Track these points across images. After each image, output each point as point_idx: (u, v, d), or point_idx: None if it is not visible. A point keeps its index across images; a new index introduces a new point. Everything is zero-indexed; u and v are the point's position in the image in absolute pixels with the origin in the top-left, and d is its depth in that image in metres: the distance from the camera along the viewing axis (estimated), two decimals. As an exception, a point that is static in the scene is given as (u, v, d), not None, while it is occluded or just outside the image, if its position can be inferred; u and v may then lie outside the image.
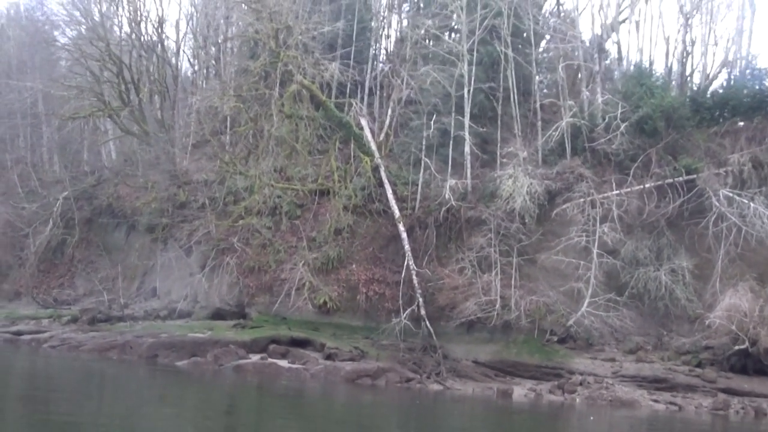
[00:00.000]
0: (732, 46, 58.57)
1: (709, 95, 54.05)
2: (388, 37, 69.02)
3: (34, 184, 70.55)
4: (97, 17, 69.03)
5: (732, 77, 56.40)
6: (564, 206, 48.13)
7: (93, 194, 68.54)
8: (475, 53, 53.91)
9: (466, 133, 52.71)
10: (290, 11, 57.28)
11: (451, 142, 53.47)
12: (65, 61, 76.78)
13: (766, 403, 39.86)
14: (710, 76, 57.58)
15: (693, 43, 58.70)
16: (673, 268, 46.20)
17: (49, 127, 74.08)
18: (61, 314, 57.21)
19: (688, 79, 59.14)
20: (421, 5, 67.30)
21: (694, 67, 59.10)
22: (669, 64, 59.72)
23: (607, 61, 60.50)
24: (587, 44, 58.95)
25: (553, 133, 50.94)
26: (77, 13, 70.60)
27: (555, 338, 46.66)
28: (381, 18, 70.12)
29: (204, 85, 67.31)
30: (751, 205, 44.40)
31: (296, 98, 57.75)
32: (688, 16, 59.30)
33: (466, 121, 52.77)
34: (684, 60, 59.01)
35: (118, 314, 55.61)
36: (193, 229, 58.06)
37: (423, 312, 48.77)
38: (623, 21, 60.47)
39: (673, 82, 57.59)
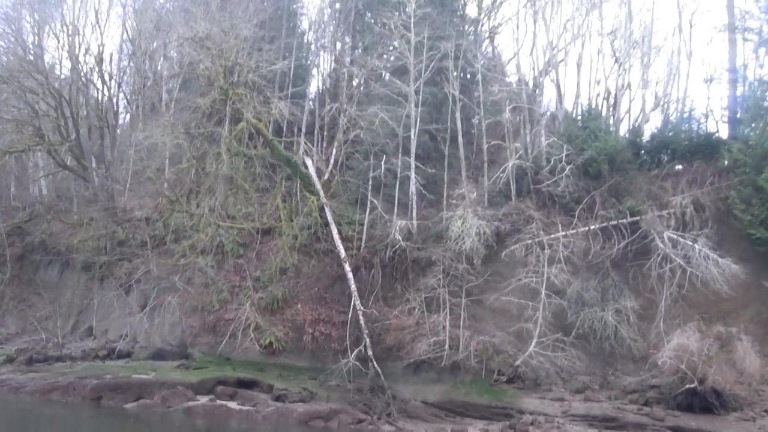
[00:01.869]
0: (665, 90, 60.21)
1: (649, 138, 55.27)
2: (330, 76, 69.04)
3: (-34, 220, 68.72)
4: (31, 48, 68.16)
5: (667, 120, 57.74)
6: (513, 247, 48.54)
7: (25, 230, 67.16)
8: (420, 94, 54.39)
9: (412, 174, 53.06)
10: (237, 48, 57.03)
11: (397, 182, 53.69)
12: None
13: (714, 440, 40.55)
14: (641, 119, 58.81)
15: (628, 85, 60.12)
16: (618, 308, 46.76)
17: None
18: (-6, 355, 55.65)
19: (621, 120, 60.41)
20: (360, 44, 67.83)
21: (628, 109, 60.64)
22: (601, 106, 60.87)
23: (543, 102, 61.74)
24: (524, 86, 59.89)
25: (501, 174, 51.49)
26: (8, 43, 69.60)
27: (503, 378, 46.75)
28: (318, 57, 70.89)
29: (142, 121, 66.33)
30: (696, 246, 45.27)
31: (244, 137, 57.54)
32: (620, 58, 60.70)
33: (412, 161, 53.13)
34: (617, 102, 60.25)
35: (55, 354, 54.27)
36: (132, 268, 57.26)
37: (370, 352, 48.57)
38: (561, 61, 61.43)
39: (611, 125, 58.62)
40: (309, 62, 69.99)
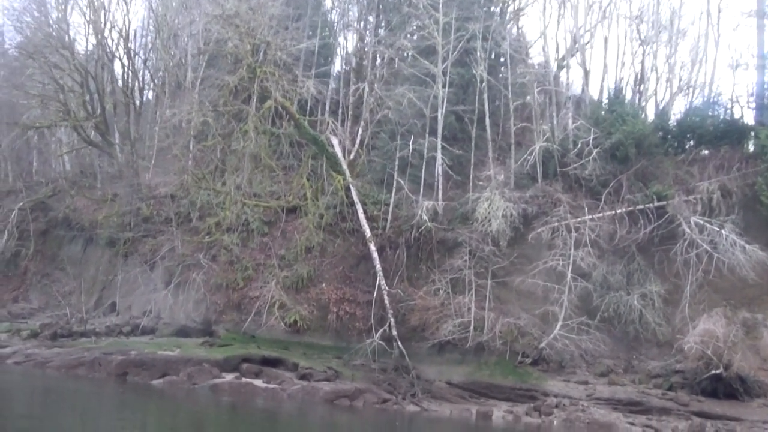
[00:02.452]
0: (691, 74, 60.11)
1: (675, 123, 55.13)
2: (355, 55, 68.94)
3: (-11, 195, 69.18)
4: (55, 23, 68.26)
5: (692, 104, 57.71)
6: (539, 230, 48.55)
7: (48, 206, 67.41)
8: (448, 75, 54.34)
9: (439, 154, 53.08)
10: (267, 27, 56.89)
11: (423, 162, 53.74)
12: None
13: (739, 427, 40.37)
14: (668, 103, 58.74)
15: (654, 69, 60.06)
16: (644, 292, 46.77)
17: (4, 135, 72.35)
18: (20, 328, 55.74)
19: (647, 104, 60.37)
20: (383, 24, 67.72)
21: (654, 92, 60.55)
22: (624, 90, 60.79)
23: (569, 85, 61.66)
24: (549, 68, 59.76)
25: (528, 156, 51.47)
26: (29, 19, 69.75)
27: (528, 360, 46.77)
28: (342, 36, 70.86)
29: (168, 98, 66.33)
30: (723, 232, 45.20)
31: (272, 115, 57.64)
32: (646, 42, 60.54)
33: (439, 141, 53.15)
34: (643, 86, 60.20)
35: (79, 329, 54.43)
36: (157, 245, 57.51)
37: (395, 332, 48.66)
38: (587, 43, 61.23)
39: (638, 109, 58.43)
40: (334, 41, 69.86)
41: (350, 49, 70.96)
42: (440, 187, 53.46)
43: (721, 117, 54.75)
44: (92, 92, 64.38)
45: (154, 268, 57.65)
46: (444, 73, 54.22)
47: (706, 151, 52.65)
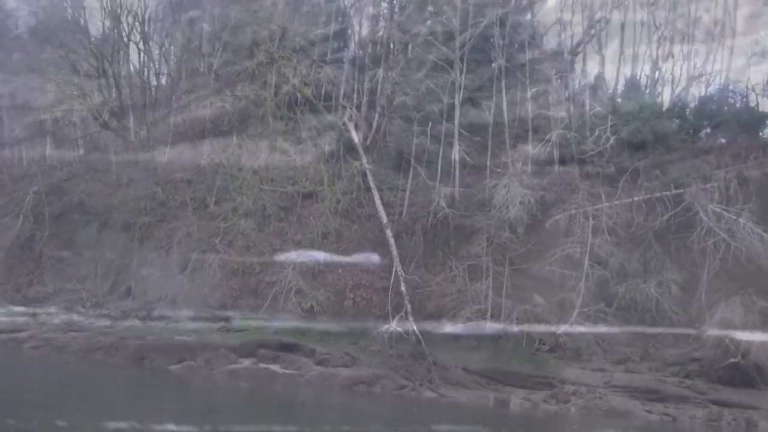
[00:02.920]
0: (707, 62, 59.84)
1: (692, 111, 55.05)
2: (370, 41, 68.65)
3: (5, 178, 69.06)
4: (69, 7, 68.24)
5: (710, 93, 57.57)
6: (557, 217, 48.58)
7: (63, 189, 67.30)
8: (465, 61, 54.20)
9: (455, 141, 52.97)
10: (284, 12, 56.87)
11: (440, 148, 53.66)
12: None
13: (756, 415, 40.45)
14: (684, 91, 58.59)
15: (671, 56, 59.83)
16: (660, 280, 46.83)
17: (19, 119, 72.14)
18: (36, 312, 55.82)
19: (662, 91, 60.21)
20: (397, 8, 67.57)
21: (671, 80, 60.29)
22: (639, 76, 60.71)
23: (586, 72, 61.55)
24: (566, 55, 59.74)
25: (546, 143, 51.43)
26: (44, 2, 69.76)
27: (544, 347, 46.85)
28: (356, 22, 70.52)
29: (185, 82, 66.27)
30: (741, 221, 45.22)
31: (289, 100, 57.63)
32: (660, 27, 60.37)
33: (455, 128, 53.07)
34: (659, 73, 60.06)
35: (95, 314, 54.54)
36: (172, 229, 57.49)
37: (411, 319, 48.62)
38: (602, 30, 61.07)
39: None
40: (348, 26, 69.62)
41: (365, 35, 70.59)
42: (457, 173, 53.31)
43: (738, 105, 54.57)
44: (108, 76, 64.16)
45: (169, 252, 57.54)
46: (461, 59, 54.04)
47: (723, 139, 52.60)
